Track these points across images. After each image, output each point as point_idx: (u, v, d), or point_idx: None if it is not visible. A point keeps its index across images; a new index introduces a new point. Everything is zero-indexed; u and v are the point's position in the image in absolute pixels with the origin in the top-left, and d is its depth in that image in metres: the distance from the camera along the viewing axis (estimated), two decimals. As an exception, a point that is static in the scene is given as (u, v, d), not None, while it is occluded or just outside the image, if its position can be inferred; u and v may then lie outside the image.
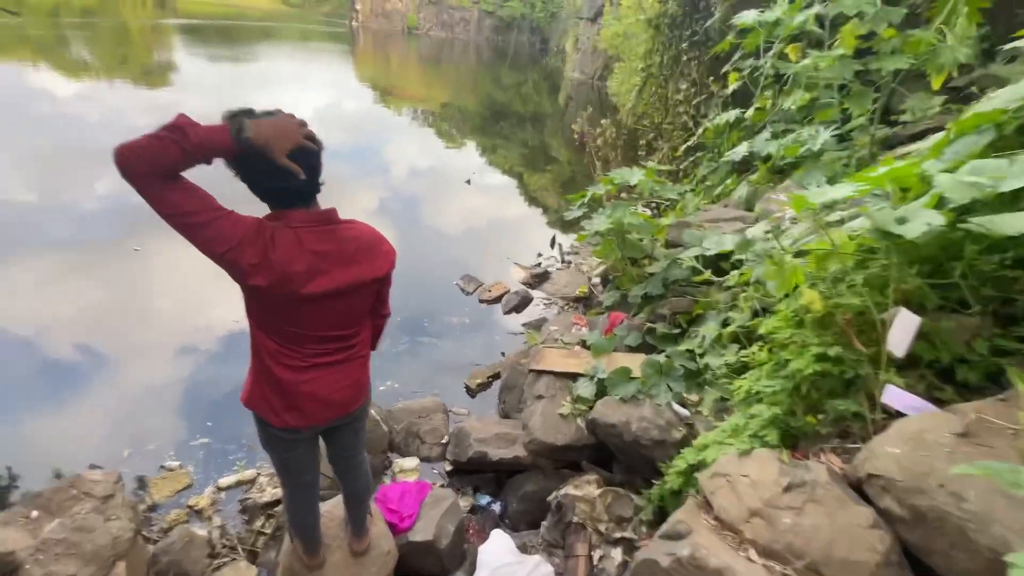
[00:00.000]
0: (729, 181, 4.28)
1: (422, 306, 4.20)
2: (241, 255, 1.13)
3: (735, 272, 2.40)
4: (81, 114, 7.53)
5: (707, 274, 2.60)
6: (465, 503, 2.55)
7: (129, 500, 1.99)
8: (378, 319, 1.56)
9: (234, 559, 2.14)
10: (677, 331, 2.61)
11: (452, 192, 6.98)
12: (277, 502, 2.40)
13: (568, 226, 6.07)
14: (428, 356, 3.70)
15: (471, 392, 3.43)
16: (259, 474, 2.59)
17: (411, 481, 2.43)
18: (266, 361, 1.32)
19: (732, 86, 4.92)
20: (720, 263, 2.66)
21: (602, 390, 2.42)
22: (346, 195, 5.95)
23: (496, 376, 3.50)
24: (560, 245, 5.47)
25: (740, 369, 2.13)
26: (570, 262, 5.17)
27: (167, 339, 3.49)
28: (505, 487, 2.68)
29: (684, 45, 6.76)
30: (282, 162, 1.13)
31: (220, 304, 3.77)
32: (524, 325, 4.06)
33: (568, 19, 21.43)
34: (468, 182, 7.25)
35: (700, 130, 5.07)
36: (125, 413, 2.91)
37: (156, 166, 1.00)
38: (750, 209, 3.72)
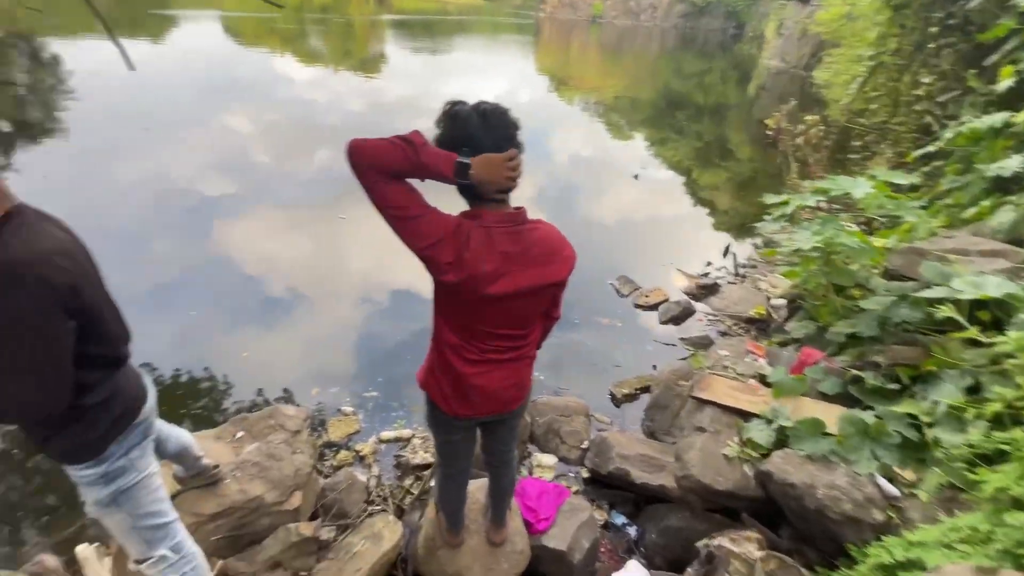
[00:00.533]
0: (986, 203, 3.34)
1: (573, 302, 4.11)
2: (439, 252, 1.15)
3: (1012, 333, 1.80)
4: (310, 97, 8.93)
5: (973, 330, 1.99)
6: (599, 516, 2.43)
7: (310, 437, 2.27)
8: (548, 320, 1.50)
9: (384, 511, 2.33)
10: (895, 387, 2.10)
11: (614, 185, 6.74)
12: (427, 466, 2.56)
13: (743, 232, 5.43)
14: (575, 354, 3.62)
15: (615, 401, 3.26)
16: (414, 435, 2.79)
17: (550, 481, 2.39)
18: (445, 351, 1.36)
19: (1004, 83, 3.84)
20: (974, 311, 2.06)
21: (782, 440, 2.07)
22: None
23: (645, 389, 3.28)
24: (735, 255, 4.92)
25: (991, 456, 1.63)
26: (745, 276, 4.62)
27: (358, 298, 3.98)
28: (644, 512, 2.49)
29: (934, 29, 5.48)
30: (490, 197, 1.18)
31: (403, 274, 4.17)
32: (683, 340, 3.74)
33: (772, 1, 19.18)
34: (636, 177, 6.93)
35: (946, 134, 4.06)
36: (318, 355, 3.40)
37: (380, 165, 1.07)
38: (1017, 243, 2.86)
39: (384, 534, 2.06)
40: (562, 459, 2.79)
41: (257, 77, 10.42)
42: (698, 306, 4.13)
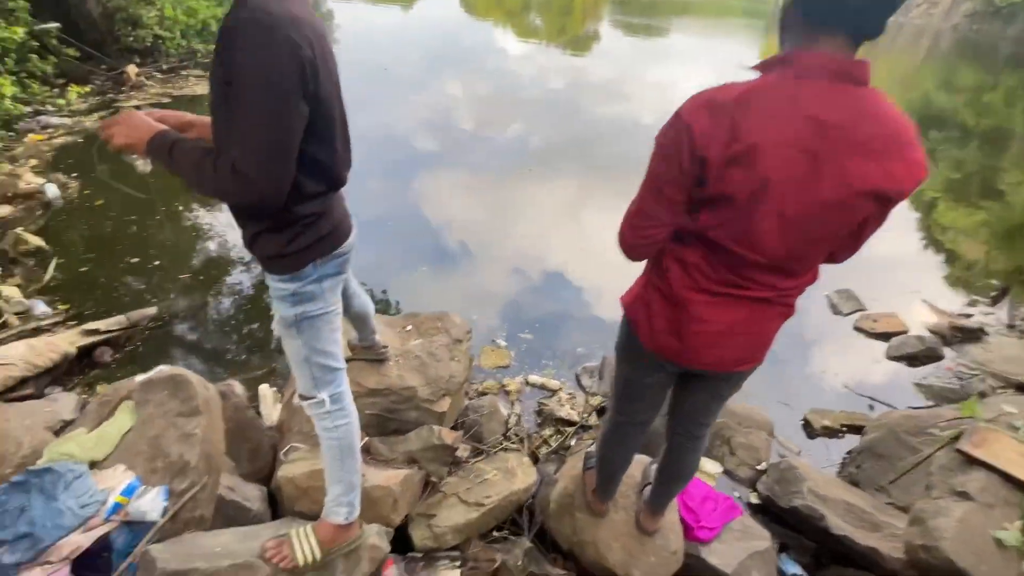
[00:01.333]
0: None
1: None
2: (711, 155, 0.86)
3: None
4: (518, 70, 9.15)
5: None
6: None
7: (469, 351, 2.17)
8: (836, 260, 1.08)
9: (518, 451, 2.15)
10: None
11: None
12: (570, 422, 2.32)
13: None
14: (770, 361, 3.00)
15: (810, 431, 2.61)
16: (562, 389, 2.57)
17: (718, 491, 1.94)
18: (672, 270, 1.04)
19: None
20: None
21: None
22: None
23: (854, 429, 2.56)
24: (1011, 303, 3.66)
25: None
26: (1024, 331, 3.39)
27: (532, 250, 3.88)
28: (827, 571, 1.92)
29: None
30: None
31: (578, 236, 3.97)
32: (920, 387, 2.86)
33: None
34: None
35: None
36: (483, 289, 3.38)
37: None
38: None
39: (517, 472, 1.87)
40: (727, 472, 2.30)
41: (476, 47, 11.08)
42: (947, 351, 3.13)
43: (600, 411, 2.44)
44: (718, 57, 12.93)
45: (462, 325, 2.13)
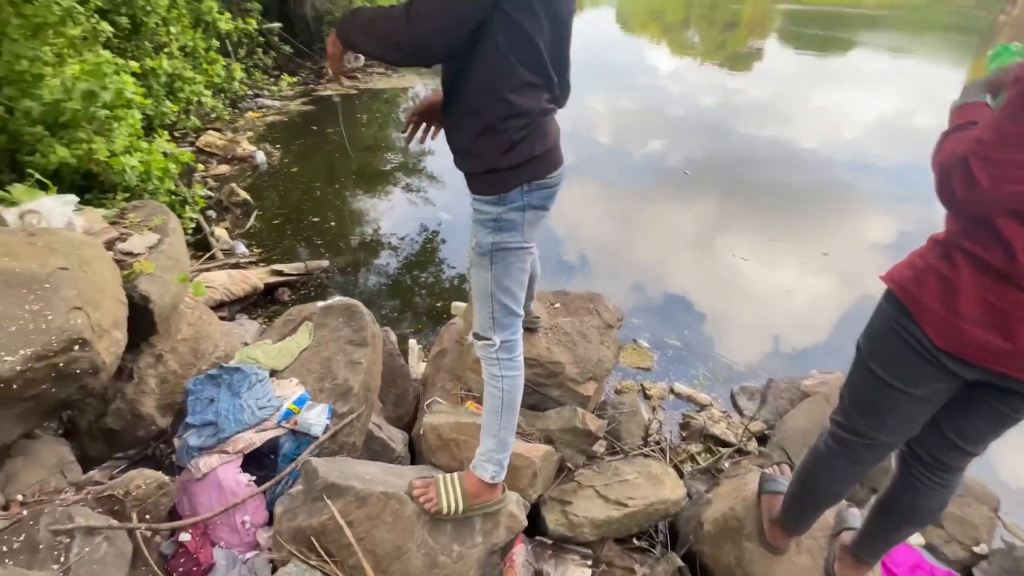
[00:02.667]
0: None
1: None
2: None
3: None
4: (667, 87, 8.69)
5: None
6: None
7: (617, 339, 2.00)
8: None
9: (659, 460, 1.92)
10: None
11: None
12: (725, 443, 2.02)
13: None
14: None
15: (1053, 520, 1.98)
16: (712, 405, 2.27)
17: (929, 559, 1.52)
18: (1009, 233, 0.76)
19: None
20: None
21: None
22: (858, 217, 4.50)
23: None
24: None
25: None
26: None
27: (680, 259, 3.60)
28: None
29: None
30: None
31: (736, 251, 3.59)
32: None
33: None
34: None
35: None
36: (630, 288, 3.19)
37: None
38: None
39: (665, 482, 1.65)
40: (930, 546, 1.81)
41: (625, 63, 10.78)
42: None
43: (761, 438, 2.10)
44: (909, 79, 11.04)
45: (615, 311, 1.97)
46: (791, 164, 5.43)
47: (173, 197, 3.25)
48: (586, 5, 21.63)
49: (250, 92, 6.10)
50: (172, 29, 4.56)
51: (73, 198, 1.36)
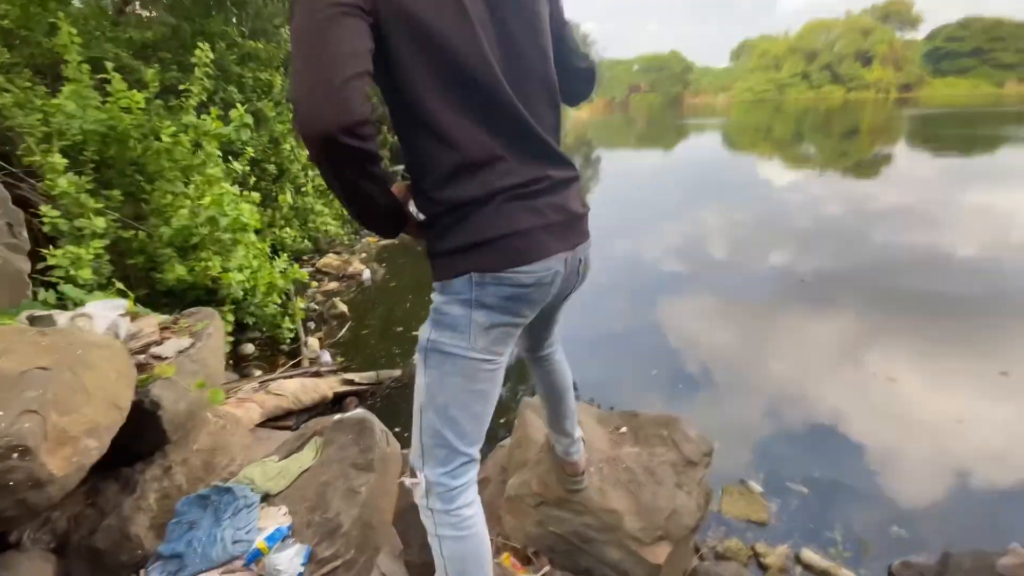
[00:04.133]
0: None
1: None
2: None
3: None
4: (785, 198, 8.21)
5: None
6: None
7: (705, 482, 1.51)
8: None
9: None
10: None
11: None
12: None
13: None
14: None
15: None
16: (863, 592, 1.58)
17: None
18: None
19: None
20: None
21: None
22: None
23: None
24: None
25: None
26: None
27: (808, 385, 2.96)
28: None
29: None
30: None
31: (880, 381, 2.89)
32: None
33: None
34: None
35: None
36: (737, 412, 2.61)
37: None
38: None
39: None
40: None
41: (737, 179, 10.61)
42: None
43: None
44: None
45: (698, 441, 1.52)
46: (944, 272, 4.49)
47: (278, 309, 3.54)
48: (690, 132, 22.55)
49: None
50: (310, 172, 5.44)
51: (123, 303, 1.45)
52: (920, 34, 62.15)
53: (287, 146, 5.08)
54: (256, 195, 3.37)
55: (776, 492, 1.99)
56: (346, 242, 5.80)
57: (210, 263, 2.81)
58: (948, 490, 2.01)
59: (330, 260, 5.24)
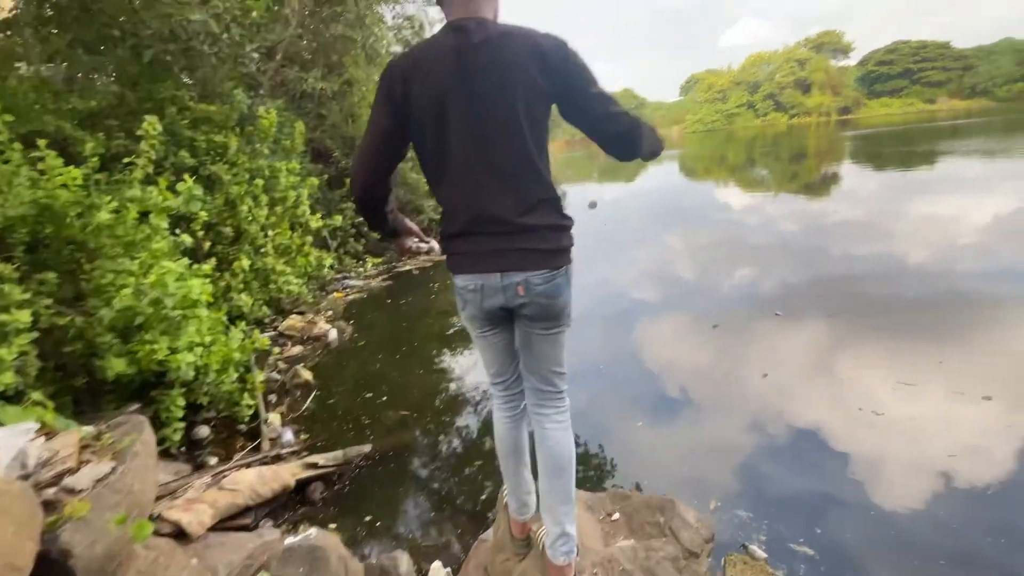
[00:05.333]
0: None
1: None
2: None
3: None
4: (743, 220, 8.54)
5: None
6: None
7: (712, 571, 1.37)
8: None
9: None
10: None
11: None
12: None
13: None
14: None
15: None
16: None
17: None
18: None
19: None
20: None
21: None
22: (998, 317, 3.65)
23: None
24: None
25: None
26: None
27: (795, 415, 2.89)
28: None
29: None
30: None
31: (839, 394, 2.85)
32: None
33: None
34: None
35: None
36: (728, 458, 2.49)
37: None
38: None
39: None
40: None
41: (697, 204, 11.05)
42: None
43: None
44: (1015, 177, 9.86)
45: (699, 527, 1.39)
46: (904, 277, 4.72)
47: (236, 385, 3.29)
48: (649, 164, 23.33)
49: (339, 276, 6.75)
50: (270, 232, 5.26)
51: (32, 426, 1.26)
52: (852, 61, 67.09)
53: (244, 207, 4.91)
54: (207, 267, 3.17)
55: (781, 557, 1.85)
56: (310, 300, 5.58)
57: (155, 346, 2.59)
58: (984, 544, 1.91)
59: (293, 322, 5.01)
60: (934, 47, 61.19)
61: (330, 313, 5.40)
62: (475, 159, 1.19)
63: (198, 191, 3.00)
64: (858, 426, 2.58)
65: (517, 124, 1.17)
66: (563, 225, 1.27)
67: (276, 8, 6.94)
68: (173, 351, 2.68)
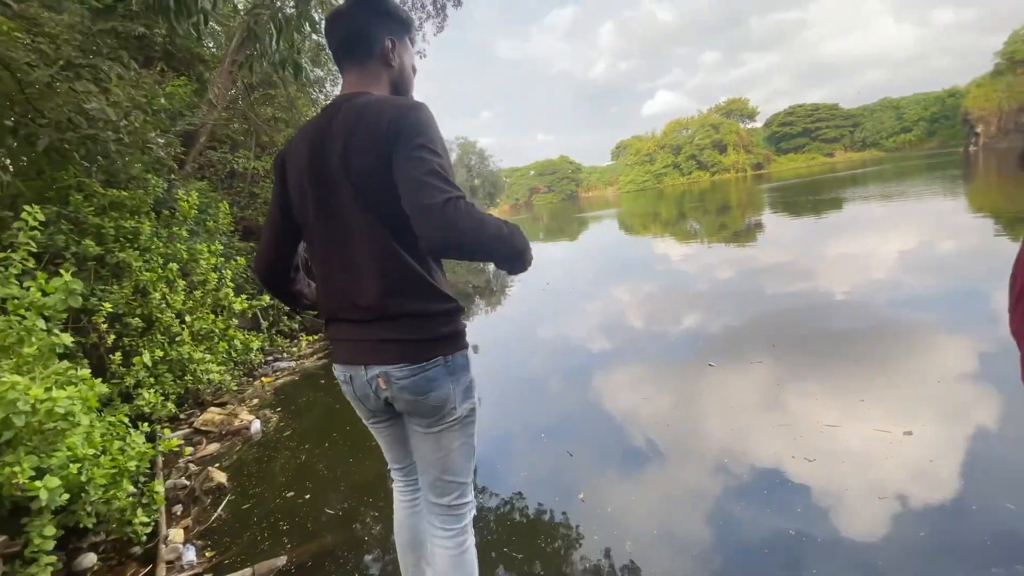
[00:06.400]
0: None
1: None
2: None
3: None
4: (683, 269, 9.05)
5: None
6: None
7: None
8: None
9: None
10: None
11: None
12: None
13: None
14: None
15: None
16: None
17: None
18: None
19: None
20: None
21: None
22: (911, 347, 3.97)
23: None
24: None
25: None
26: None
27: (726, 458, 2.82)
28: None
29: None
30: None
31: (772, 440, 2.84)
32: None
33: None
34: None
35: None
36: (679, 522, 2.34)
37: None
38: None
39: None
40: None
41: (637, 258, 11.66)
42: None
43: None
44: (911, 215, 11.09)
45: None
46: (831, 312, 5.01)
47: (131, 499, 2.87)
48: (590, 222, 24.45)
49: (269, 358, 6.33)
50: (188, 318, 4.90)
51: None
52: (758, 123, 75.62)
53: (156, 295, 4.57)
54: (86, 371, 2.83)
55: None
56: (233, 388, 5.14)
57: (17, 468, 2.21)
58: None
59: (212, 416, 4.56)
60: (825, 108, 70.26)
61: (256, 401, 4.98)
62: (332, 242, 1.14)
63: (76, 285, 2.73)
64: (792, 476, 2.53)
65: (366, 202, 1.08)
66: (434, 312, 1.12)
67: (197, 96, 6.92)
68: (40, 472, 2.30)
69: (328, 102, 1.39)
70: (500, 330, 6.81)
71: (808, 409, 3.19)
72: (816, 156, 67.17)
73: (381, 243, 1.08)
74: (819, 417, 3.03)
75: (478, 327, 7.10)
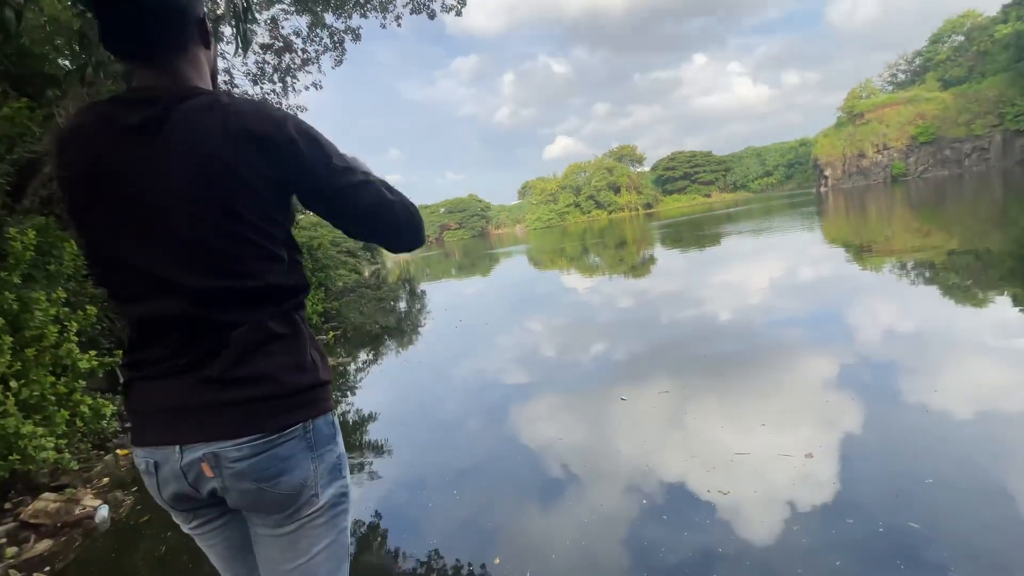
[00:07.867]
0: None
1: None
2: None
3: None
4: (588, 301, 9.47)
5: None
6: None
7: None
8: None
9: None
10: None
11: (961, 361, 3.95)
12: None
13: None
14: None
15: None
16: None
17: None
18: None
19: None
20: None
21: None
22: (793, 365, 4.44)
23: None
24: None
25: None
26: None
27: (643, 483, 2.75)
28: None
29: None
30: None
31: (686, 468, 2.86)
32: None
33: None
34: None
35: None
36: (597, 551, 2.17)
37: None
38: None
39: None
40: None
41: (548, 291, 12.09)
42: None
43: None
44: (777, 247, 12.71)
45: None
46: (719, 334, 5.45)
47: None
48: (501, 258, 24.86)
49: (127, 424, 5.35)
50: (13, 383, 3.97)
51: None
52: (646, 167, 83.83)
53: (-33, 359, 3.65)
54: None
55: None
56: (75, 467, 4.21)
57: None
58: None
59: (46, 503, 3.66)
60: (701, 156, 79.88)
61: (106, 480, 4.11)
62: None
63: None
64: (711, 510, 2.51)
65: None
66: (292, 363, 0.82)
67: (47, 121, 5.95)
68: None
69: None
70: (413, 372, 6.44)
71: (717, 438, 3.26)
72: (696, 196, 75.68)
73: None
74: (728, 445, 3.10)
75: (389, 371, 6.71)
